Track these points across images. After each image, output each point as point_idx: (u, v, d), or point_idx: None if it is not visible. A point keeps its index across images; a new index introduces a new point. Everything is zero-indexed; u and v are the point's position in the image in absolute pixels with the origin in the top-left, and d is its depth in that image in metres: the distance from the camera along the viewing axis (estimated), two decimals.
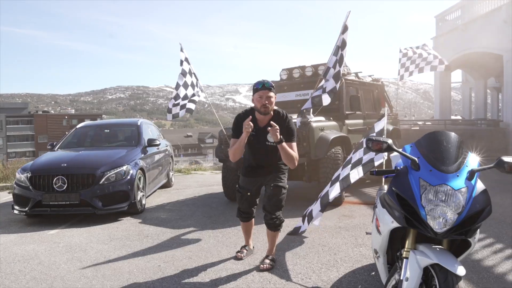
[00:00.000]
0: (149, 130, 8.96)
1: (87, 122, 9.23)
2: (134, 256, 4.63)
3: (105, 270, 4.20)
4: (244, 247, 4.57)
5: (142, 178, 7.15)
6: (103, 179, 6.37)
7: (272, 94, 3.94)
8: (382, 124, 4.91)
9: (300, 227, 5.20)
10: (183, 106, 7.67)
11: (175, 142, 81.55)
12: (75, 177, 6.31)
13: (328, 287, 3.59)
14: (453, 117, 23.06)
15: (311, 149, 6.75)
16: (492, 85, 24.57)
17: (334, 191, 4.82)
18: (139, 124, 8.57)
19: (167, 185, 9.74)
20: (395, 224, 2.52)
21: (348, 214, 6.28)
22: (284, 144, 3.89)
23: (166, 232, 5.61)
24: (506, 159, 2.44)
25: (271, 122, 3.87)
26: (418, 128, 17.33)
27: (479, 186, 2.46)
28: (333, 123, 7.50)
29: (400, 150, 2.59)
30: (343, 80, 7.71)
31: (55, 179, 6.27)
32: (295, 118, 6.65)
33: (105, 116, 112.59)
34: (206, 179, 11.30)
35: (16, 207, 6.51)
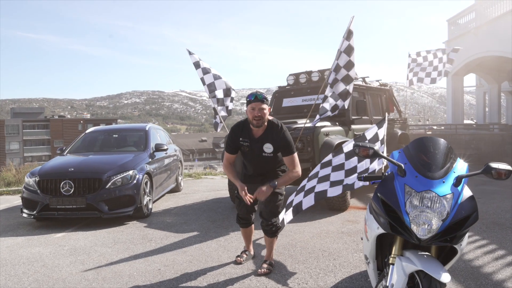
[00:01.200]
0: (158, 135, 9.04)
1: (96, 127, 9.34)
2: (135, 259, 4.69)
3: (106, 273, 4.26)
4: (244, 251, 4.60)
5: (148, 182, 7.22)
6: (109, 184, 6.46)
7: (265, 106, 3.91)
8: (374, 130, 4.87)
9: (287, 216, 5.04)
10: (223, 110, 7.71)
11: (190, 146, 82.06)
12: (82, 181, 6.42)
13: None
14: (467, 122, 22.84)
15: (315, 154, 6.76)
16: (506, 89, 24.28)
17: (332, 191, 4.77)
18: (147, 129, 8.66)
19: (176, 189, 9.81)
20: (381, 230, 2.53)
21: (352, 219, 6.27)
22: (279, 181, 3.99)
23: (169, 236, 5.67)
24: (494, 165, 2.43)
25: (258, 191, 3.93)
26: (431, 132, 17.19)
27: (466, 192, 2.46)
28: (339, 128, 7.50)
29: (387, 156, 2.60)
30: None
31: (62, 183, 6.38)
32: (308, 123, 6.74)
33: (120, 121, 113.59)
34: (216, 184, 11.35)
35: (24, 210, 6.64)
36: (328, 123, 7.41)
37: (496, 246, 4.79)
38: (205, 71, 7.32)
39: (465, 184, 2.49)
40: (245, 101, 4.02)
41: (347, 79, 6.45)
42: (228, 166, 4.21)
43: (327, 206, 6.88)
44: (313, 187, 4.73)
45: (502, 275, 3.89)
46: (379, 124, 5.03)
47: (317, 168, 4.91)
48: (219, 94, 7.65)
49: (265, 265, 4.13)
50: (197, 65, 7.72)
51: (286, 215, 4.78)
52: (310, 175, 4.88)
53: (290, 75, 8.83)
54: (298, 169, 4.07)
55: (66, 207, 6.36)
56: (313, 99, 8.07)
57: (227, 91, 7.79)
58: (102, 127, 9.59)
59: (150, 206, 7.19)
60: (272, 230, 4.14)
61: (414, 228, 2.33)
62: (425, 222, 2.32)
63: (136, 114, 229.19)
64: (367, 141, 4.92)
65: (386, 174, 2.64)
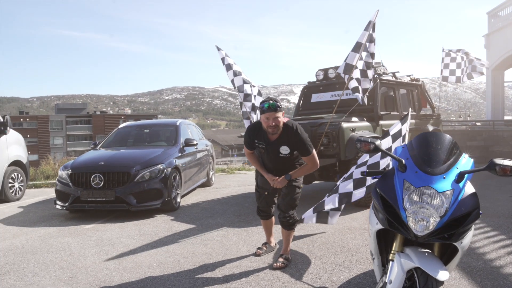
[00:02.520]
0: (189, 130, 9.19)
1: (129, 123, 9.60)
2: (157, 251, 4.82)
3: (127, 263, 4.41)
4: (265, 244, 4.66)
5: (177, 176, 7.37)
6: (137, 177, 6.63)
7: (278, 114, 3.88)
8: (398, 127, 4.81)
9: (310, 217, 5.15)
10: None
11: (229, 142, 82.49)
12: (111, 174, 6.62)
13: (335, 287, 3.60)
14: (508, 118, 22.01)
15: (341, 150, 6.72)
16: None
17: (356, 193, 4.81)
18: (177, 124, 8.82)
19: (207, 184, 9.96)
20: (380, 226, 2.51)
21: None
22: (293, 173, 4.10)
23: (193, 229, 5.78)
24: (498, 161, 2.36)
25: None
26: (465, 127, 16.69)
27: (468, 189, 2.40)
28: (366, 123, 7.41)
29: (388, 151, 2.58)
30: (378, 80, 7.61)
31: (93, 176, 6.61)
32: (334, 117, 6.86)
33: (161, 116, 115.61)
34: (247, 179, 11.43)
35: (58, 202, 6.92)
36: (355, 119, 7.34)
37: None
38: (228, 68, 7.33)
39: (468, 181, 2.43)
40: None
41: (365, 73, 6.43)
42: (251, 155, 4.32)
43: (354, 202, 6.81)
44: (350, 192, 4.80)
45: None
46: (403, 120, 4.97)
47: (352, 169, 4.96)
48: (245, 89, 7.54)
49: (281, 259, 4.16)
50: (223, 60, 7.73)
51: (317, 214, 4.87)
52: (345, 175, 4.93)
53: (319, 70, 8.78)
54: (316, 165, 4.12)
55: (96, 200, 6.58)
56: (341, 94, 7.99)
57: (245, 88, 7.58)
58: (134, 122, 9.85)
59: (178, 200, 7.34)
60: (289, 222, 4.17)
61: (411, 224, 2.30)
62: (423, 219, 2.28)
63: (177, 110, 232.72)
64: (396, 139, 4.88)
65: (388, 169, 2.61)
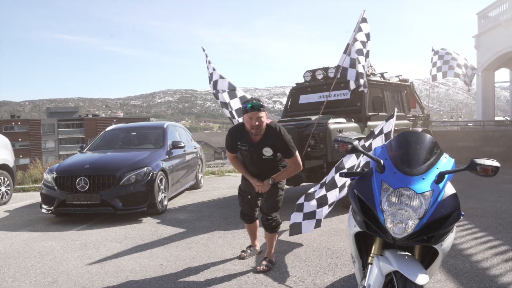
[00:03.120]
0: (177, 133, 9.12)
1: (116, 125, 9.51)
2: (141, 255, 4.75)
3: (110, 267, 4.34)
4: (249, 247, 4.61)
5: (164, 179, 7.30)
6: (123, 180, 6.56)
7: (262, 114, 3.84)
8: (381, 125, 4.79)
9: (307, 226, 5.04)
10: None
11: (222, 144, 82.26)
12: (97, 178, 6.54)
13: None
14: (499, 118, 22.12)
15: (328, 151, 6.68)
16: None
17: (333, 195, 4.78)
18: (165, 127, 8.75)
19: (196, 186, 9.89)
20: (357, 229, 2.45)
21: None
22: (277, 177, 4.08)
23: (179, 233, 5.72)
24: (479, 161, 2.30)
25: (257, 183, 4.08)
26: (458, 129, 16.72)
27: (448, 189, 2.34)
28: (354, 124, 7.38)
29: (366, 151, 2.53)
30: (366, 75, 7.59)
31: (78, 179, 6.53)
32: (321, 117, 6.86)
33: (153, 119, 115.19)
34: (237, 181, 11.23)
35: (43, 206, 6.83)
36: (343, 120, 7.31)
37: (509, 247, 4.59)
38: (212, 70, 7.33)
39: (449, 181, 2.38)
40: (243, 108, 3.94)
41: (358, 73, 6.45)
42: (234, 160, 4.29)
43: (341, 204, 6.78)
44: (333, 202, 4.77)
45: (509, 278, 3.72)
46: (387, 119, 4.95)
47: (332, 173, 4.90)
48: (225, 97, 7.38)
49: (264, 262, 4.11)
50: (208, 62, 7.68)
51: (306, 223, 4.80)
52: (327, 182, 4.86)
53: (307, 71, 8.74)
54: (299, 166, 4.07)
55: (82, 203, 6.50)
56: (330, 95, 7.96)
57: (231, 92, 7.45)
58: (121, 125, 9.75)
59: (165, 203, 7.27)
60: (272, 225, 4.12)
61: (389, 226, 2.24)
62: (402, 221, 2.22)
63: (170, 112, 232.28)
64: (376, 136, 4.85)
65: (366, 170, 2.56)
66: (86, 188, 6.49)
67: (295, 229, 4.87)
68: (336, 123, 6.98)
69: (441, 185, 2.31)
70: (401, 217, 2.22)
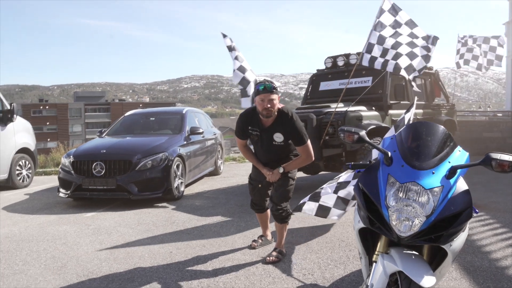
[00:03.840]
0: (196, 119, 9.07)
1: (135, 110, 9.51)
2: (151, 241, 4.73)
3: (119, 253, 4.32)
4: (261, 237, 4.52)
5: (181, 165, 7.26)
6: (139, 165, 6.55)
7: (274, 96, 3.73)
8: (403, 116, 4.59)
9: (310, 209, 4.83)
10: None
11: None
12: (113, 163, 6.55)
13: (327, 285, 3.44)
14: None
15: None
16: None
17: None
18: (184, 112, 8.70)
19: (215, 173, 9.86)
20: (361, 225, 2.30)
21: None
22: (287, 166, 3.96)
23: (193, 220, 5.68)
24: (495, 155, 2.11)
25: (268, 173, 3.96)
26: (486, 119, 16.20)
27: (460, 185, 2.17)
28: (374, 113, 7.18)
29: (373, 142, 2.38)
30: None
31: (94, 164, 6.55)
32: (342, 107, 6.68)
33: (179, 104, 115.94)
34: None
35: (61, 190, 6.90)
36: (363, 108, 7.12)
37: None
38: (235, 58, 7.20)
39: (461, 176, 2.22)
40: (255, 90, 3.84)
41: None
42: (244, 148, 4.20)
43: None
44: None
45: None
46: (408, 109, 4.76)
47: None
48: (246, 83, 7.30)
49: (274, 253, 4.02)
50: (230, 48, 7.54)
51: (318, 206, 4.57)
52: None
53: (328, 57, 8.55)
54: (311, 156, 3.94)
55: (97, 188, 6.53)
56: (350, 82, 7.76)
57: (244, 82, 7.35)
58: (140, 110, 9.77)
59: (181, 189, 7.24)
60: (282, 215, 4.01)
61: (394, 224, 2.08)
62: (408, 218, 2.06)
63: (196, 98, 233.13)
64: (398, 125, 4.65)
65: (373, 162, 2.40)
66: (102, 173, 6.51)
67: (299, 206, 4.67)
68: (355, 111, 6.80)
69: (452, 180, 2.13)
70: (407, 214, 2.06)
